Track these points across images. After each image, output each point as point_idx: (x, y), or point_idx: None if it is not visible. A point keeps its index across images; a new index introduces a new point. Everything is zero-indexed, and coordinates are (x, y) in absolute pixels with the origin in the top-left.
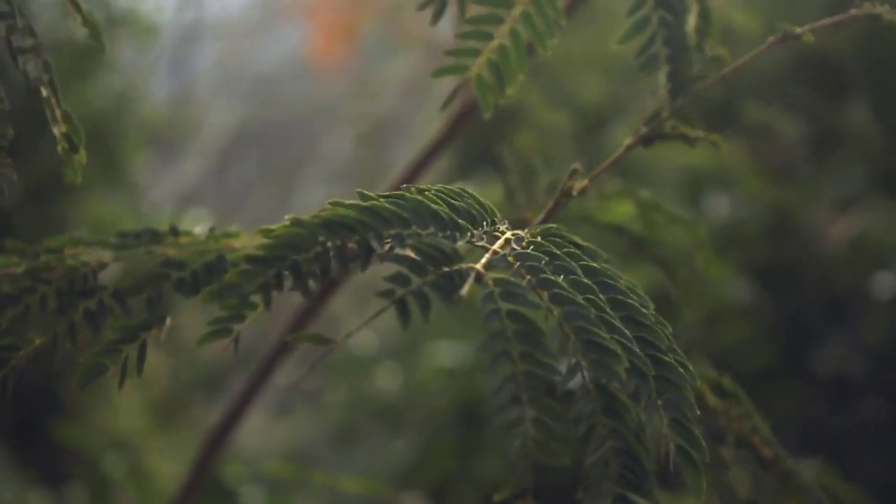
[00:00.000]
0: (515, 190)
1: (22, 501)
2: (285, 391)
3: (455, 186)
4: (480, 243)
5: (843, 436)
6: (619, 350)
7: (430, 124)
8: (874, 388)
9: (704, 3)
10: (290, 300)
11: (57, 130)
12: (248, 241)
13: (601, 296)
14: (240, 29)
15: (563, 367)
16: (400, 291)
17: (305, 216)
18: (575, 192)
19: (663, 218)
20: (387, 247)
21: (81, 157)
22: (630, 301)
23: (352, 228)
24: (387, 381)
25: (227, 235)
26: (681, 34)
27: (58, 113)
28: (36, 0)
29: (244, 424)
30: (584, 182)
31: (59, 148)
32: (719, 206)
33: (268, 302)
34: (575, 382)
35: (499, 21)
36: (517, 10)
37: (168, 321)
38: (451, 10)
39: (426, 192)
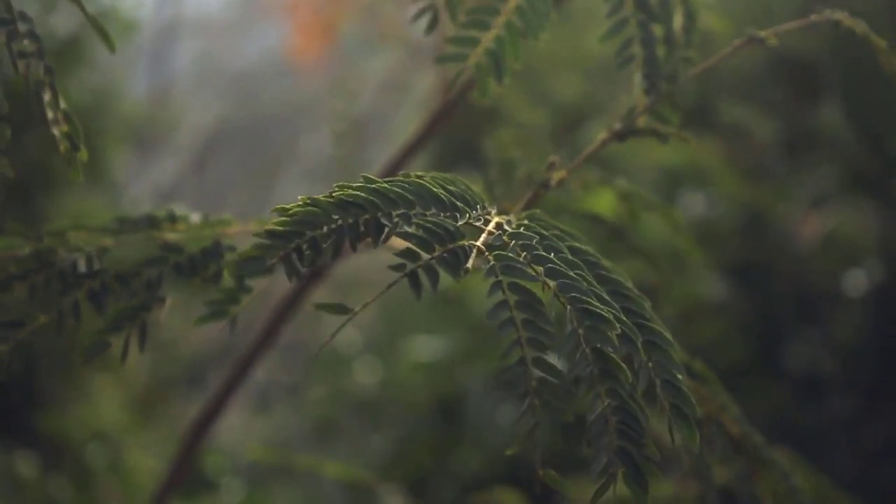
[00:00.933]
0: (495, 183)
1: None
2: (266, 385)
3: (447, 174)
4: (478, 224)
5: (813, 432)
6: (611, 317)
7: (408, 123)
8: (845, 385)
9: (689, 3)
10: (270, 293)
11: (57, 130)
12: (241, 228)
13: (588, 272)
14: (219, 26)
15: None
16: (410, 265)
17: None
18: (553, 184)
19: (640, 205)
20: (394, 225)
21: (83, 154)
22: (614, 276)
23: (362, 207)
24: (366, 376)
25: (222, 223)
26: (657, 37)
27: (60, 114)
28: None
29: (224, 419)
30: (562, 173)
31: (62, 147)
32: (695, 204)
33: (292, 272)
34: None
35: (495, 13)
36: (512, 3)
37: (168, 302)
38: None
39: (425, 178)
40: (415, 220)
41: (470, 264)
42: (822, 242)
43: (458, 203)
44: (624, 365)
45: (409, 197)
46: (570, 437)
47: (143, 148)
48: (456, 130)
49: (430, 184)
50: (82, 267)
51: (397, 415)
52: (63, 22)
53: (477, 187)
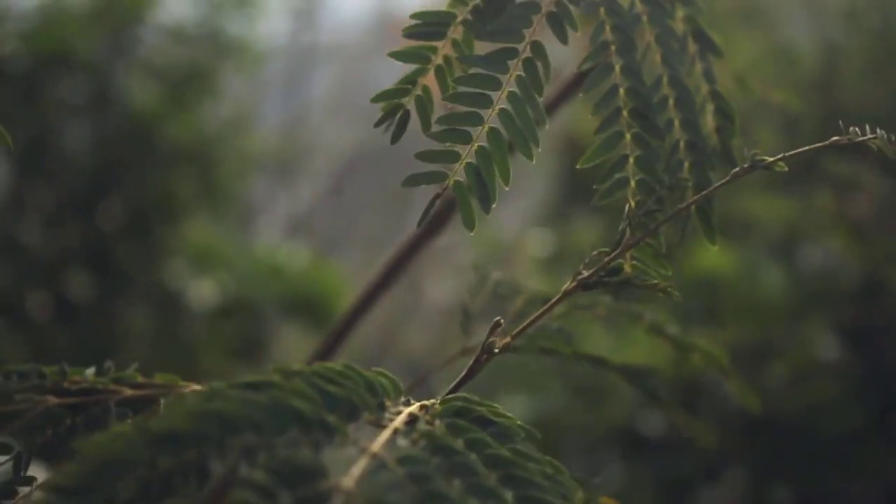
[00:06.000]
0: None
1: None
2: None
3: (341, 365)
4: (355, 445)
5: None
6: None
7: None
8: None
9: (722, 98)
10: None
11: None
12: (137, 393)
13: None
14: (355, 52)
15: None
16: None
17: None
18: (497, 349)
19: (673, 342)
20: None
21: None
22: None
23: (184, 442)
24: None
25: (119, 380)
26: (658, 154)
27: None
28: (145, 26)
29: None
30: (506, 340)
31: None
32: (811, 259)
33: None
34: None
35: (477, 120)
36: (495, 109)
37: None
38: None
39: (296, 379)
40: (261, 455)
41: None
42: None
43: (331, 418)
44: None
45: (257, 417)
46: None
47: (277, 175)
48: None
49: (294, 392)
50: None
51: None
52: (189, 53)
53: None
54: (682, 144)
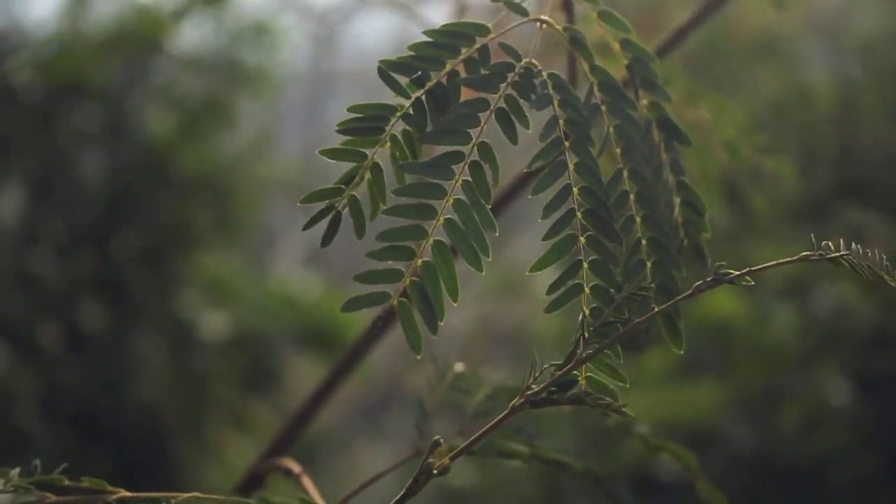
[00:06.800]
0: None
1: None
2: None
3: None
4: None
5: None
6: None
7: None
8: None
9: (690, 190)
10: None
11: None
12: (61, 500)
13: None
14: (376, 79)
15: None
16: None
17: None
18: (435, 471)
19: (643, 441)
20: None
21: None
22: None
23: None
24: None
25: (42, 485)
26: (615, 256)
27: None
28: (161, 55)
29: None
30: (446, 461)
31: None
32: (823, 304)
33: None
34: None
35: (419, 232)
36: (440, 220)
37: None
38: None
39: None
40: None
41: None
42: None
43: None
44: None
45: None
46: None
47: (295, 201)
48: None
49: None
50: None
51: None
52: (206, 82)
53: None
54: (644, 243)
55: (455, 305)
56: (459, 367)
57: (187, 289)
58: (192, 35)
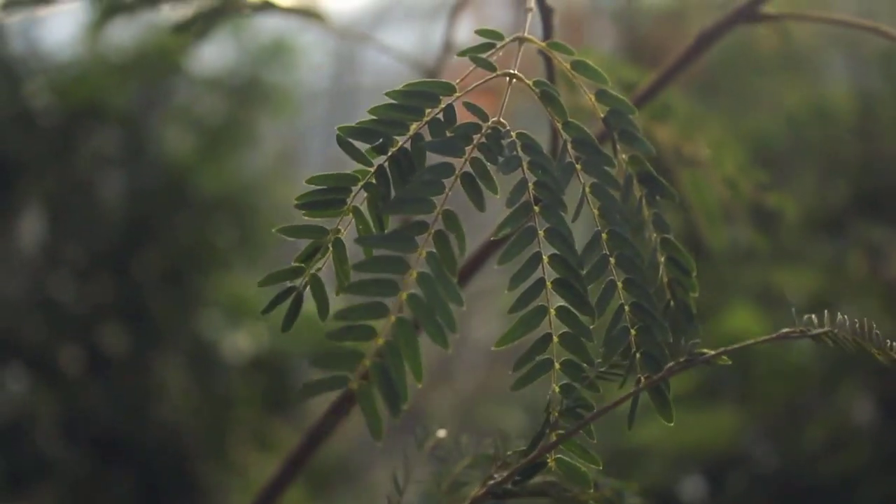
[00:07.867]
0: None
1: None
2: None
3: None
4: None
5: None
6: None
7: None
8: None
9: (675, 248)
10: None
11: None
12: None
13: None
14: None
15: None
16: None
17: None
18: None
19: None
20: None
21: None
22: None
23: None
24: None
25: None
26: (589, 332)
27: None
28: (180, 76)
29: None
30: None
31: None
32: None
33: None
34: None
35: (380, 311)
36: (402, 295)
37: None
38: None
39: None
40: None
41: None
42: None
43: None
44: None
45: None
46: None
47: None
48: None
49: None
50: None
51: None
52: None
53: None
54: (626, 310)
55: (420, 387)
56: (441, 433)
57: (208, 310)
58: (212, 55)
